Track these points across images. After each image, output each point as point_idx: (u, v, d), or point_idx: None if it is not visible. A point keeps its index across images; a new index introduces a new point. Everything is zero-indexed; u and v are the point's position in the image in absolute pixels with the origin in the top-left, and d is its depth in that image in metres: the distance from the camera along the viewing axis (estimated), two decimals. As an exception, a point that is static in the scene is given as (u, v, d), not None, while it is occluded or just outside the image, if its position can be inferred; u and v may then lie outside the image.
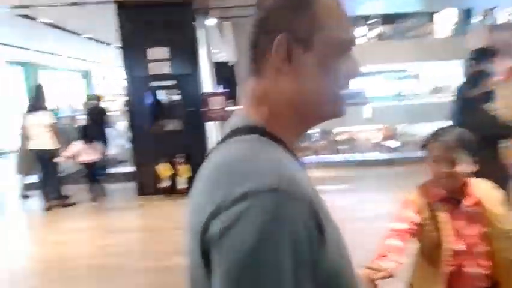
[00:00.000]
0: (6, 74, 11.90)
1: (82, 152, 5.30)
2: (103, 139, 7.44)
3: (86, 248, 4.19)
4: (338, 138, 7.85)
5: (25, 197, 5.99)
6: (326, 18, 0.62)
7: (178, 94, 5.96)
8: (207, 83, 6.33)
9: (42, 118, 5.20)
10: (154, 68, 5.75)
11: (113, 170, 7.13)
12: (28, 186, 6.08)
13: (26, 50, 10.41)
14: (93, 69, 16.42)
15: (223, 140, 0.64)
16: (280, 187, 0.51)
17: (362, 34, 9.54)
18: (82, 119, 7.39)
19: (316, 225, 0.53)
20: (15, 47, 9.96)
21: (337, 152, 7.45)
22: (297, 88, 0.63)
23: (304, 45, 0.62)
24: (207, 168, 0.61)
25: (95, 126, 7.41)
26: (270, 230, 0.49)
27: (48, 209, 5.40)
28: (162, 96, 6.20)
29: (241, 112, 0.68)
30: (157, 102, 6.12)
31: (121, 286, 3.24)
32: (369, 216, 4.13)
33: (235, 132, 0.63)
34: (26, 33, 8.31)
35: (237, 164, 0.56)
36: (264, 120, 0.64)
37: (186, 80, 5.78)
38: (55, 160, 5.25)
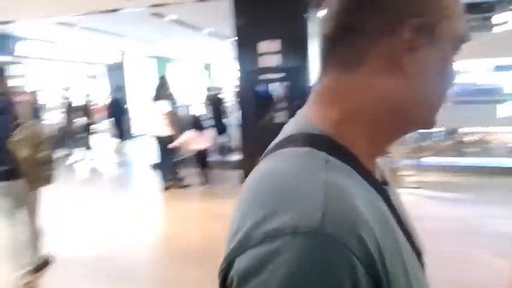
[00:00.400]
0: (144, 66, 13.57)
1: (194, 140, 5.68)
2: (220, 128, 7.97)
3: (192, 229, 4.49)
4: (466, 139, 6.96)
5: (154, 170, 6.63)
6: (450, 3, 0.49)
7: (287, 87, 5.95)
8: (316, 76, 6.18)
9: (162, 107, 5.71)
10: (264, 61, 5.84)
11: (224, 158, 7.55)
12: (154, 166, 6.76)
13: (158, 45, 11.65)
14: (213, 62, 17.60)
15: (275, 148, 0.52)
16: (324, 228, 0.38)
17: (502, 21, 8.18)
18: (197, 109, 7.93)
19: (374, 283, 0.39)
20: (151, 42, 11.21)
21: (463, 155, 6.60)
22: (406, 89, 0.49)
23: (430, 36, 0.48)
24: (248, 183, 0.51)
25: (214, 115, 8.00)
26: (299, 285, 0.37)
27: (166, 188, 5.96)
28: (272, 88, 6.27)
29: (304, 113, 0.55)
30: (266, 95, 6.22)
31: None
32: (488, 234, 3.56)
33: (289, 140, 0.51)
34: (158, 30, 9.26)
35: (275, 187, 0.44)
36: (332, 126, 0.50)
37: (295, 73, 5.73)
38: (170, 146, 5.73)
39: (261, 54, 5.87)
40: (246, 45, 5.94)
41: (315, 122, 0.51)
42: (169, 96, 6.02)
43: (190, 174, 6.24)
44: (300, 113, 0.56)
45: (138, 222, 4.72)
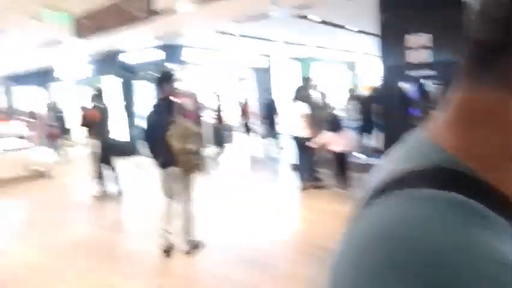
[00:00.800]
0: (289, 68, 14.09)
1: (332, 141, 5.60)
2: (366, 128, 7.75)
3: (327, 230, 4.45)
4: None
5: (293, 170, 6.83)
6: None
7: (438, 85, 5.35)
8: (452, 87, 5.38)
9: (300, 108, 5.81)
10: (411, 57, 5.37)
11: (368, 160, 7.26)
12: (293, 166, 6.94)
13: (302, 46, 11.91)
14: (358, 60, 17.05)
15: (392, 186, 0.36)
16: None
17: None
18: (339, 109, 7.81)
19: None
20: (295, 44, 11.55)
21: None
22: None
23: None
24: (354, 242, 0.36)
25: (360, 115, 7.80)
26: None
27: (304, 188, 6.05)
28: (420, 86, 5.74)
29: (432, 134, 0.40)
30: (414, 93, 5.72)
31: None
32: None
33: (415, 176, 0.36)
34: (302, 32, 9.47)
35: (405, 262, 0.29)
36: (478, 159, 0.36)
37: (448, 69, 5.10)
38: (309, 146, 5.78)
39: (409, 49, 5.43)
40: (391, 41, 5.58)
41: (451, 150, 0.37)
42: (309, 98, 6.10)
43: (328, 175, 6.21)
44: (425, 134, 0.41)
45: (276, 218, 4.94)
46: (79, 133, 11.54)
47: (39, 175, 8.25)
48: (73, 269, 3.77)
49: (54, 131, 10.96)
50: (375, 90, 8.42)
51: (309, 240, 4.23)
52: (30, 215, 5.96)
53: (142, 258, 3.89)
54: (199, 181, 4.11)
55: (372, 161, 7.18)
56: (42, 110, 12.07)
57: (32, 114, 11.27)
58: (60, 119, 11.61)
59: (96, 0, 5.39)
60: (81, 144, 11.18)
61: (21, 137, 8.33)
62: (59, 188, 7.64)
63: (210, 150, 10.75)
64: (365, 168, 6.62)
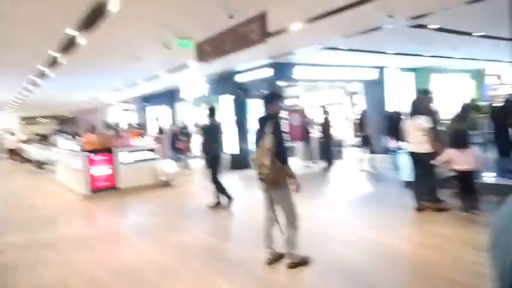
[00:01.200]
0: (403, 80, 13.28)
1: (456, 159, 5.03)
2: (503, 146, 6.91)
3: (444, 257, 4.00)
4: None
5: (409, 188, 6.33)
6: None
7: None
8: None
9: (420, 122, 5.36)
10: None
11: (499, 180, 6.40)
12: (409, 184, 6.42)
13: (417, 56, 11.13)
14: (487, 67, 15.20)
15: None
16: None
17: None
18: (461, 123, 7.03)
19: None
20: (408, 54, 10.86)
21: None
22: None
23: None
24: None
25: (495, 130, 6.96)
26: None
27: (419, 209, 5.55)
28: None
29: None
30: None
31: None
32: None
33: None
34: (418, 41, 8.86)
35: None
36: None
37: None
38: (430, 163, 5.29)
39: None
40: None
41: None
42: (429, 111, 5.62)
43: (450, 197, 5.61)
44: None
45: (387, 238, 4.63)
46: (197, 147, 12.64)
47: (164, 184, 9.23)
48: (185, 270, 4.08)
49: (181, 145, 12.17)
50: (509, 101, 7.40)
51: (424, 266, 3.86)
52: (153, 218, 6.67)
53: (248, 268, 4.01)
54: (304, 196, 4.08)
55: (506, 182, 6.27)
56: (169, 126, 13.54)
57: (160, 130, 12.71)
58: (185, 135, 12.88)
59: (216, 26, 5.88)
60: (199, 158, 12.21)
61: (151, 150, 9.45)
62: (180, 196, 8.42)
63: (316, 165, 10.69)
64: (497, 190, 5.82)
